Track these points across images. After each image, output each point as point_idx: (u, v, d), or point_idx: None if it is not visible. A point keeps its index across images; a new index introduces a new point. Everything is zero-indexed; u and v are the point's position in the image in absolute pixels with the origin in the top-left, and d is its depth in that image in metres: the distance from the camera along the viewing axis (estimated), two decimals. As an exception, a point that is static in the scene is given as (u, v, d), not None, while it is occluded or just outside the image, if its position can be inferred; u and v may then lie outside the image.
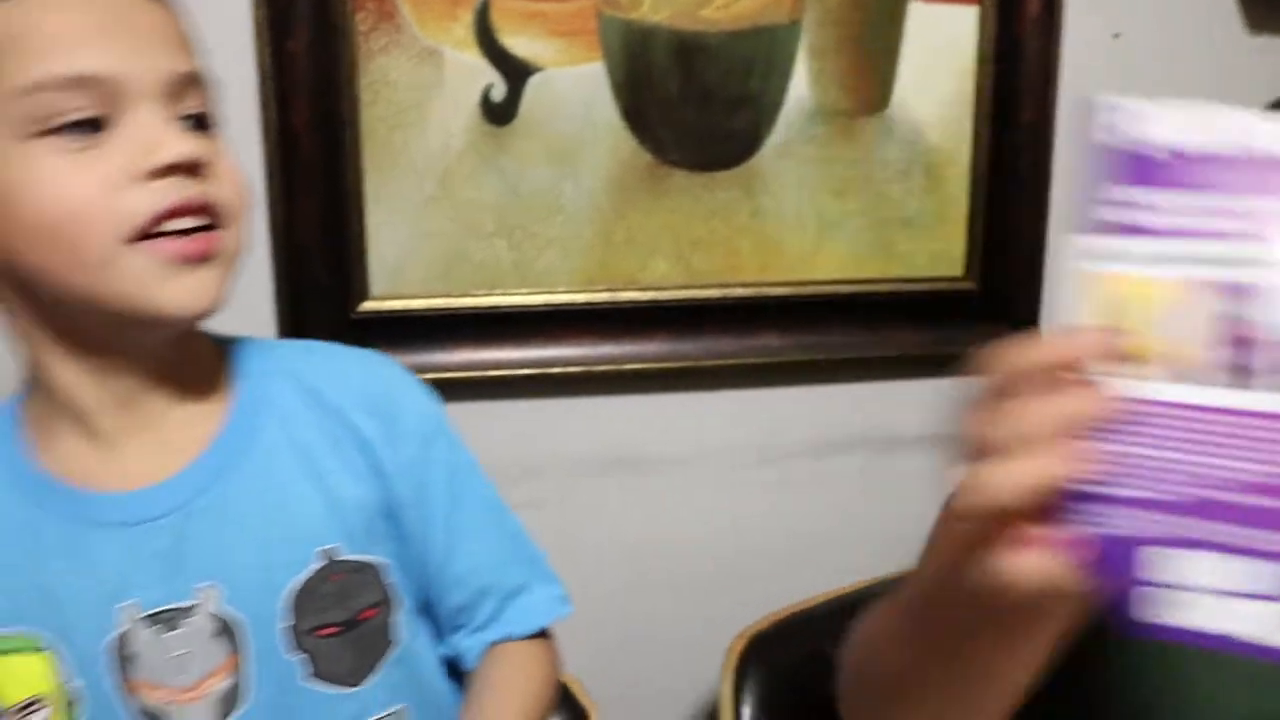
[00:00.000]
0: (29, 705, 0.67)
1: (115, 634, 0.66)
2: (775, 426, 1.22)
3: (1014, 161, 1.18)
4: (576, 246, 1.12)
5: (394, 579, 0.72)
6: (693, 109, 1.11)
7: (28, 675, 0.66)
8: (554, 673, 0.79)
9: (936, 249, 1.20)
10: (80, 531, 0.66)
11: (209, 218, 0.62)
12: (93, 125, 0.59)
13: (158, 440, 0.67)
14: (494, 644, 0.76)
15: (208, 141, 0.63)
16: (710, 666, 1.14)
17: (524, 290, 1.11)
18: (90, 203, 0.58)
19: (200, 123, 0.63)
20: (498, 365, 1.12)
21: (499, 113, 1.08)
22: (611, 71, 1.09)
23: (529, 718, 0.74)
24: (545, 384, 1.14)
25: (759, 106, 1.13)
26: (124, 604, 0.66)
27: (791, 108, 1.14)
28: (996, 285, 1.21)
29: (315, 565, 0.68)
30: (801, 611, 1.04)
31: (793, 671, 1.01)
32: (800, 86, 1.13)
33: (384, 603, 0.71)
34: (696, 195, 1.13)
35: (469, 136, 1.07)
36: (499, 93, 1.07)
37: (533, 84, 1.08)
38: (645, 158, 1.11)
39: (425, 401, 0.75)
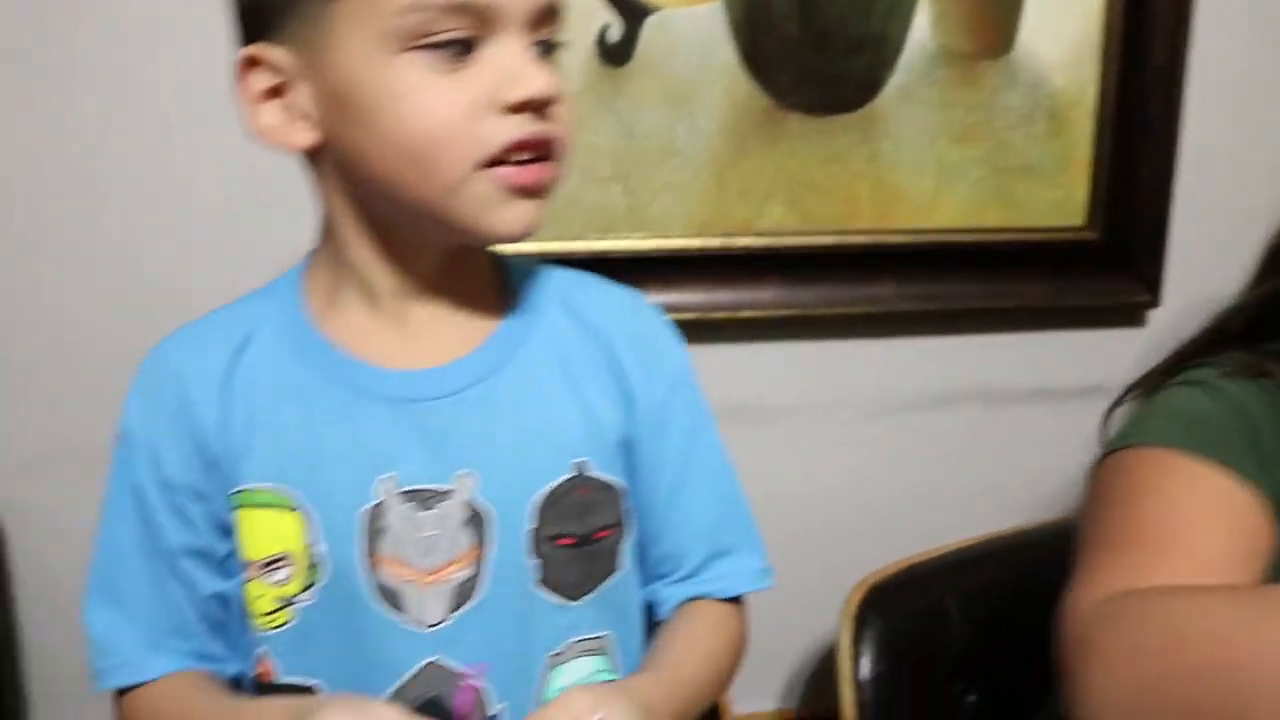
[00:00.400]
0: (274, 561, 0.68)
1: (370, 504, 0.67)
2: (890, 378, 1.20)
3: (1142, 107, 1.14)
4: (692, 191, 1.10)
5: (629, 505, 0.73)
6: (811, 50, 1.09)
7: (278, 531, 0.68)
8: (741, 642, 0.78)
9: (1058, 197, 1.17)
10: (353, 400, 0.68)
11: (545, 151, 0.64)
12: (463, 46, 0.60)
13: (437, 329, 0.69)
14: (690, 600, 0.76)
15: (556, 74, 0.64)
16: (822, 617, 1.12)
17: (638, 235, 1.10)
18: (453, 125, 0.61)
19: (548, 48, 0.65)
20: (609, 311, 1.11)
21: (615, 54, 1.06)
22: (730, 11, 1.07)
23: (708, 680, 0.73)
24: (656, 331, 1.13)
25: (879, 49, 1.10)
26: (384, 476, 0.67)
27: (913, 50, 1.11)
28: (1120, 236, 1.18)
29: (567, 475, 0.70)
30: (920, 564, 1.02)
31: (911, 622, 0.99)
32: (922, 28, 1.10)
33: (617, 526, 0.72)
34: (814, 139, 1.11)
35: (585, 78, 1.06)
36: (615, 33, 1.06)
37: (650, 24, 1.06)
38: (762, 100, 1.09)
39: (680, 348, 0.77)
